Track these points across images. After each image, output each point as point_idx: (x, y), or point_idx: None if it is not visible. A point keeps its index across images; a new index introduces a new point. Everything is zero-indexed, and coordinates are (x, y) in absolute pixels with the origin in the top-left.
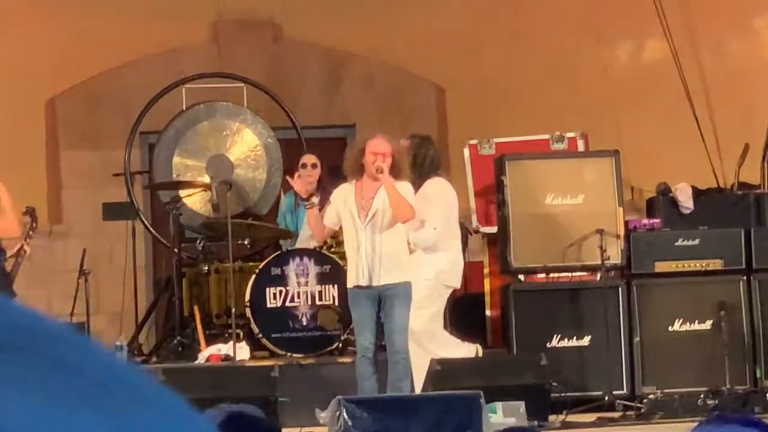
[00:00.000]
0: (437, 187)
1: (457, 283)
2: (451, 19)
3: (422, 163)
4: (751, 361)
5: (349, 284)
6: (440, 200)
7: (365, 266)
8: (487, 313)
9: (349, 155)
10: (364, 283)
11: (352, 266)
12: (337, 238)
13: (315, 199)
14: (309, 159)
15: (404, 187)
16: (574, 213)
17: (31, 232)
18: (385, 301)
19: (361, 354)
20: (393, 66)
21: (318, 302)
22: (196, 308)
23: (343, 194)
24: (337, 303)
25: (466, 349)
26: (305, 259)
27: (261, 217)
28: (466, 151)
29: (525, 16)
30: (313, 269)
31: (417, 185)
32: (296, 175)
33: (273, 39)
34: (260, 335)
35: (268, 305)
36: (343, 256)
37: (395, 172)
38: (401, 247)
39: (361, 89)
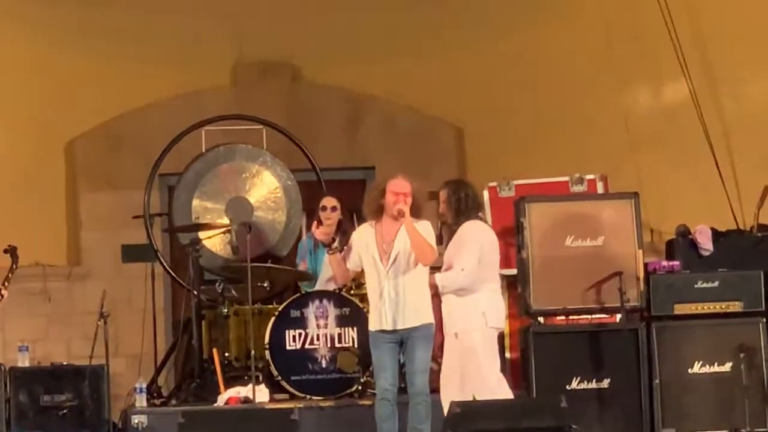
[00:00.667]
0: (472, 228)
1: (502, 325)
2: (471, 61)
3: (466, 205)
4: None
5: (372, 327)
6: (473, 242)
7: (388, 311)
8: (507, 355)
9: (369, 196)
10: (387, 327)
11: (374, 310)
12: (356, 280)
13: (336, 243)
14: (329, 202)
15: (424, 226)
16: (593, 255)
17: (10, 275)
18: (407, 342)
19: (381, 396)
20: (412, 108)
21: (337, 345)
22: (215, 350)
23: (364, 237)
24: (356, 345)
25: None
26: (324, 302)
27: (280, 259)
28: (486, 193)
29: (544, 59)
30: (332, 311)
31: (456, 227)
32: (315, 224)
33: (292, 81)
34: (280, 378)
35: (288, 347)
36: (362, 299)
37: (415, 211)
38: (423, 289)
39: (380, 131)
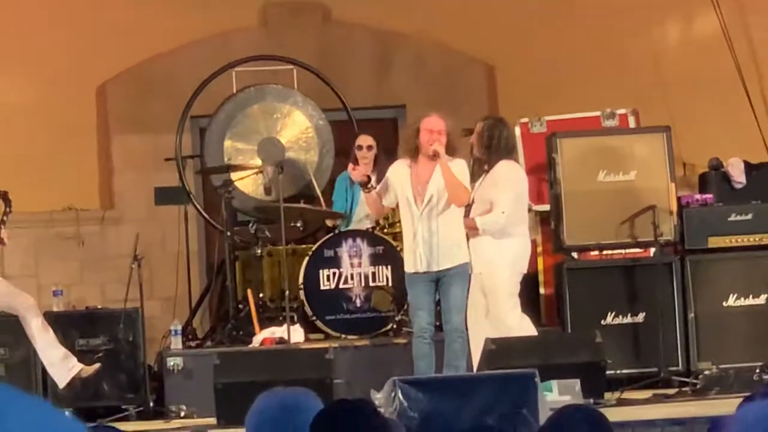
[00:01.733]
0: (508, 169)
1: (526, 268)
2: None
3: (497, 144)
4: None
5: (407, 269)
6: (510, 184)
7: (423, 253)
8: (541, 291)
9: (404, 136)
10: (422, 269)
11: (409, 252)
12: (389, 218)
13: (372, 182)
14: (365, 140)
15: (459, 166)
16: (626, 190)
17: (5, 218)
18: (442, 281)
19: (418, 334)
20: (443, 46)
21: (371, 283)
22: (249, 292)
23: (400, 176)
24: (390, 284)
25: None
26: (358, 241)
27: (313, 199)
28: (518, 130)
29: None
30: (366, 250)
31: (490, 167)
32: (351, 166)
33: (322, 20)
34: (314, 318)
35: (322, 287)
36: (396, 237)
37: (450, 150)
38: (458, 230)
39: (411, 70)
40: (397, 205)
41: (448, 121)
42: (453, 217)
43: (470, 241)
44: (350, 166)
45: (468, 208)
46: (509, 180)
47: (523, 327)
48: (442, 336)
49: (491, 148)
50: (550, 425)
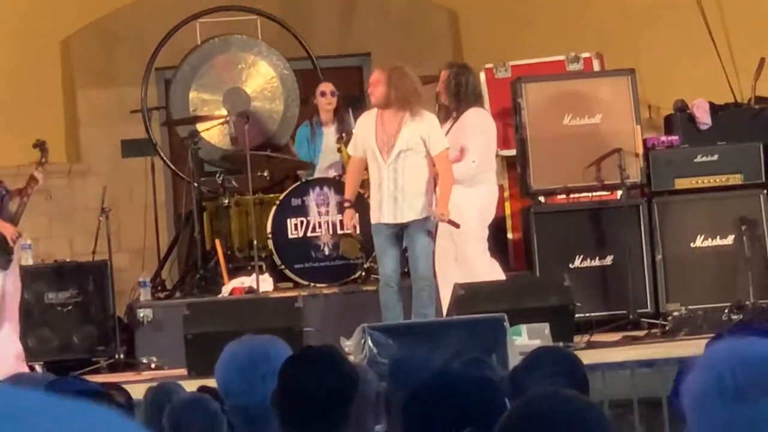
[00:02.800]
0: (477, 117)
1: (493, 214)
2: None
3: (465, 92)
4: None
5: (372, 219)
6: (479, 132)
7: (388, 203)
8: (509, 236)
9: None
10: (388, 220)
11: (374, 203)
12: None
13: (332, 127)
14: (327, 87)
15: (431, 121)
16: (592, 133)
17: (40, 167)
18: (408, 229)
19: (384, 282)
20: None
21: (339, 231)
22: (217, 242)
23: (366, 127)
24: (358, 231)
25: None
26: (325, 189)
27: (279, 148)
28: (483, 75)
29: None
30: (333, 198)
31: (458, 115)
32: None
33: None
34: (283, 266)
35: (290, 236)
36: (363, 184)
37: (396, 104)
38: (423, 182)
39: (375, 17)
40: None
41: (392, 73)
42: (419, 169)
43: (437, 191)
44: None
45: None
46: (479, 128)
47: (492, 272)
48: (410, 283)
49: (459, 96)
50: (524, 366)
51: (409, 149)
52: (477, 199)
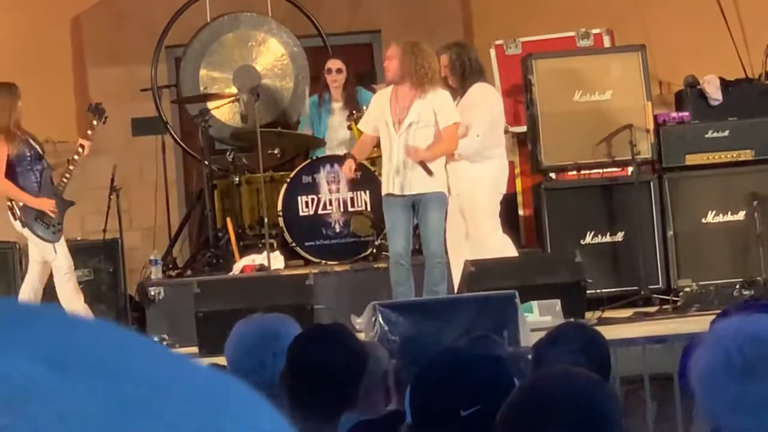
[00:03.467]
0: (481, 92)
1: (504, 189)
2: None
3: (470, 69)
4: None
5: (383, 190)
6: (484, 106)
7: (399, 174)
8: (520, 212)
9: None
10: (397, 191)
11: (385, 174)
12: None
13: (341, 103)
14: (334, 64)
15: (443, 97)
16: (602, 109)
17: (89, 132)
18: (419, 206)
19: (394, 260)
20: None
21: (350, 209)
22: (228, 220)
23: (380, 102)
24: (369, 208)
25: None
26: (336, 166)
27: (290, 125)
28: (493, 52)
29: None
30: (344, 176)
31: (464, 91)
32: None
33: None
34: (294, 244)
35: (301, 214)
36: (373, 162)
37: (408, 79)
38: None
39: None
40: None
41: (405, 48)
42: (429, 142)
43: (448, 165)
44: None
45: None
46: (483, 102)
47: (505, 248)
48: (421, 260)
49: (465, 75)
50: (548, 340)
51: (420, 122)
52: (487, 175)
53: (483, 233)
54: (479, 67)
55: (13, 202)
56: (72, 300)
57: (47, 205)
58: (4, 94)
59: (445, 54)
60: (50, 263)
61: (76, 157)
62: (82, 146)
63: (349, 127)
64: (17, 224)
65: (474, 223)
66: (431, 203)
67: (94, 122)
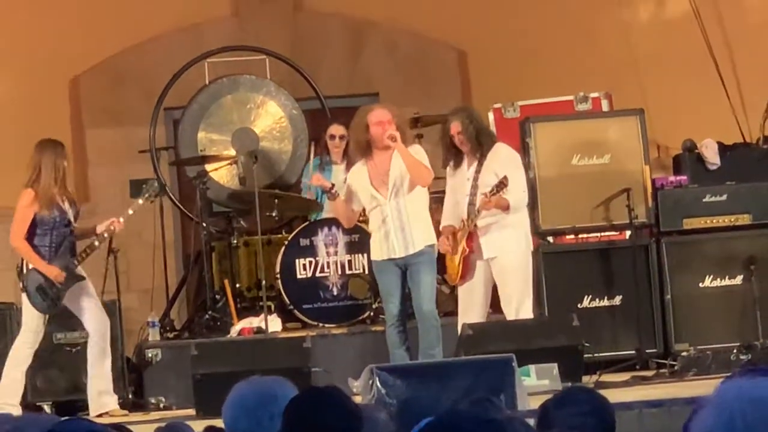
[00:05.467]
0: (510, 151)
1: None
2: None
3: (486, 129)
4: None
5: (376, 257)
6: (519, 164)
7: (396, 235)
8: None
9: (354, 135)
10: (395, 254)
11: (378, 239)
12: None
13: (335, 189)
14: (337, 130)
15: (416, 150)
16: (600, 173)
17: (130, 211)
18: (411, 269)
19: (390, 322)
20: (414, 32)
21: (348, 271)
22: (226, 282)
23: (359, 178)
24: (367, 271)
25: None
26: (333, 229)
27: (288, 188)
28: (491, 115)
29: None
30: (341, 239)
31: (484, 152)
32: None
33: (294, 9)
34: (291, 307)
35: (299, 276)
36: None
37: (401, 138)
38: (424, 210)
39: (383, 57)
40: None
41: (393, 109)
42: (419, 199)
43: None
44: (313, 176)
45: (473, 190)
46: (517, 160)
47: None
48: (416, 323)
49: (481, 138)
50: (554, 403)
51: (403, 180)
52: (520, 226)
53: (514, 293)
54: (489, 128)
55: (24, 263)
56: (18, 366)
57: (55, 273)
58: (48, 151)
59: (456, 120)
60: (24, 328)
61: (106, 234)
62: (111, 230)
63: None
64: (20, 284)
65: (507, 282)
66: (422, 265)
67: (140, 200)
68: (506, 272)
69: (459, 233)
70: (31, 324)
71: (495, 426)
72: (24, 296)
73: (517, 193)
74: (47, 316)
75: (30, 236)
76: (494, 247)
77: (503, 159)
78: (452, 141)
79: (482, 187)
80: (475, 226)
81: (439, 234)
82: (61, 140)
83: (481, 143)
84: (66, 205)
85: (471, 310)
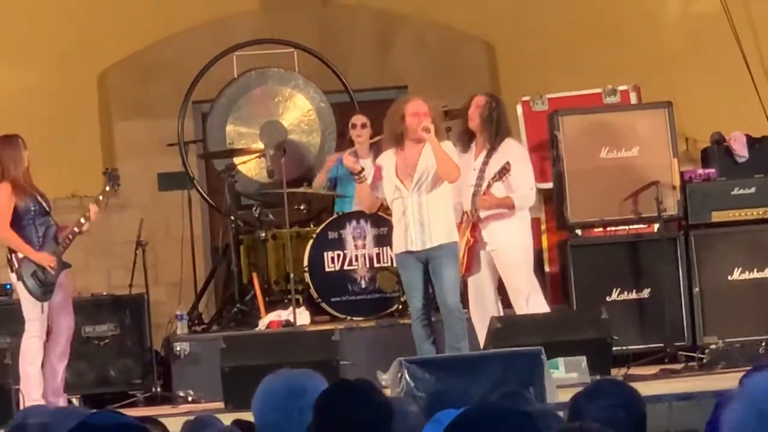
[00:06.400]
0: (522, 148)
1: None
2: None
3: (505, 122)
4: None
5: (397, 250)
6: (528, 162)
7: (415, 229)
8: (546, 269)
9: (389, 124)
10: (414, 247)
11: (399, 232)
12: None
13: (365, 172)
14: (358, 119)
15: (447, 146)
16: (629, 166)
17: (100, 197)
18: (432, 263)
19: (415, 316)
20: (443, 25)
21: (376, 264)
22: (254, 275)
23: (386, 166)
24: (395, 264)
25: None
26: (362, 222)
27: None
28: (519, 108)
29: None
30: (370, 231)
31: (495, 144)
32: (345, 154)
33: (322, 2)
34: (320, 300)
35: (327, 269)
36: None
37: (435, 131)
38: (447, 208)
39: (411, 50)
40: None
41: (430, 103)
42: (442, 196)
43: (481, 225)
44: (345, 154)
45: (479, 181)
46: (527, 156)
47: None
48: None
49: (500, 126)
50: (585, 395)
51: (428, 174)
52: (523, 221)
53: (519, 286)
54: (508, 123)
55: (12, 254)
56: (33, 363)
57: (47, 260)
58: (8, 145)
59: (483, 95)
60: (26, 320)
61: (82, 220)
62: (87, 216)
63: None
64: (13, 276)
65: (511, 275)
66: (443, 258)
67: (107, 188)
68: (510, 266)
69: (462, 224)
70: (32, 314)
71: (527, 418)
72: (19, 287)
73: (524, 190)
74: (45, 305)
75: (16, 229)
76: (497, 240)
77: (513, 154)
78: (467, 120)
79: (488, 180)
80: (479, 216)
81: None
82: (17, 134)
83: (497, 132)
84: (39, 197)
85: (481, 301)
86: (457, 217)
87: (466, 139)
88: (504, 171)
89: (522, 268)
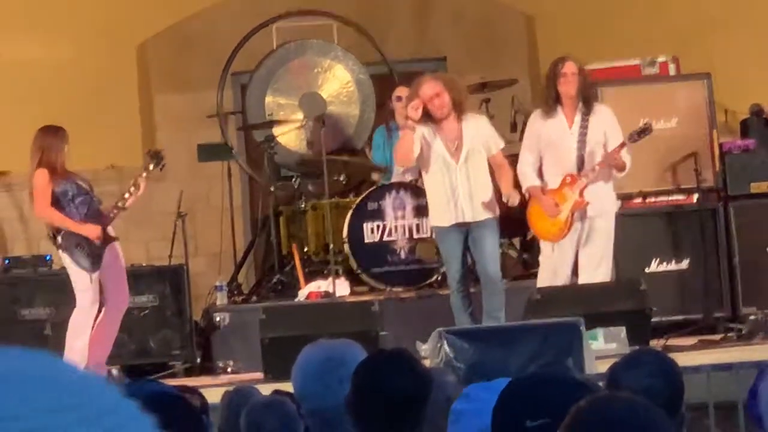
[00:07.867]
0: (612, 112)
1: None
2: None
3: (593, 84)
4: None
5: (441, 223)
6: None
7: (465, 202)
8: None
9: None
10: (465, 219)
11: (444, 205)
12: None
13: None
14: (403, 91)
15: (481, 121)
16: (668, 137)
17: (144, 174)
18: (474, 234)
19: (453, 287)
20: None
21: (416, 235)
22: (294, 246)
23: (428, 138)
24: (433, 235)
25: None
26: (401, 193)
27: (356, 152)
28: None
29: None
30: (409, 202)
31: (589, 109)
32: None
33: None
34: (359, 271)
35: (366, 240)
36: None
37: (457, 106)
38: (489, 181)
39: (450, 21)
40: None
41: (447, 79)
42: (485, 168)
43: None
44: (411, 107)
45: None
46: (617, 121)
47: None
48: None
49: (593, 90)
50: (623, 364)
51: (475, 149)
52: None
53: (610, 255)
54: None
55: (55, 232)
56: (79, 336)
57: (92, 230)
58: (53, 136)
59: (572, 62)
60: (76, 291)
61: (127, 195)
62: (133, 190)
63: None
64: (59, 252)
65: (608, 242)
66: (486, 229)
67: (151, 167)
68: (602, 233)
69: (567, 188)
70: (81, 284)
71: (577, 384)
72: (66, 259)
73: (627, 156)
74: (95, 276)
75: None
76: (598, 206)
77: (611, 120)
78: (556, 83)
79: (591, 144)
80: (595, 172)
81: (523, 197)
82: (63, 127)
83: (590, 98)
84: (76, 180)
85: (561, 268)
86: (554, 183)
87: (552, 103)
88: (645, 130)
89: (611, 237)
